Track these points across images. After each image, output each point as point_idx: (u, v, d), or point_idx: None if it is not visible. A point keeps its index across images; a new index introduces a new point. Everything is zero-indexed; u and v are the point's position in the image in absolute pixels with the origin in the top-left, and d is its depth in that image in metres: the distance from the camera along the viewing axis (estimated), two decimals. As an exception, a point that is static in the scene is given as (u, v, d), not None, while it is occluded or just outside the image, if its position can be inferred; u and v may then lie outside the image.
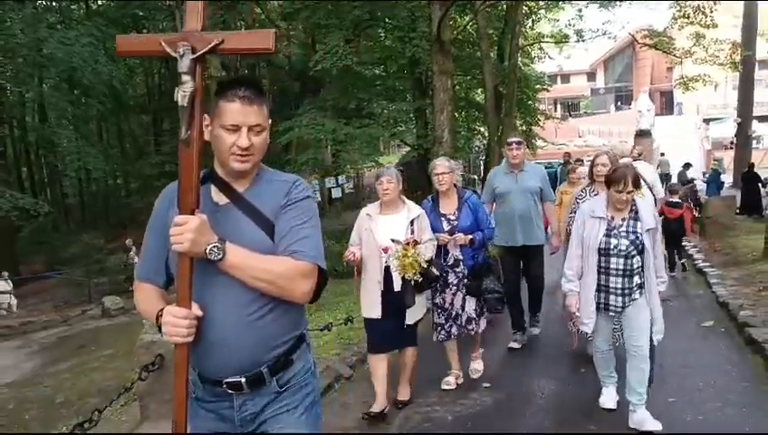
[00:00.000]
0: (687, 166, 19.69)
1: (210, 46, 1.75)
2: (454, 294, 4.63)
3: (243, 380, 1.92)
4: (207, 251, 1.75)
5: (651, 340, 3.80)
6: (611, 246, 3.74)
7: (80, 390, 8.88)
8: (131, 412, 5.36)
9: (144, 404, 4.32)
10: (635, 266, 3.74)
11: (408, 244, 4.07)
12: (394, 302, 4.15)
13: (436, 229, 4.52)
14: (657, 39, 18.02)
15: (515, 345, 5.72)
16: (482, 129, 21.53)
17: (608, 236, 3.76)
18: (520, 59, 19.18)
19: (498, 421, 4.21)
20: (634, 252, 3.72)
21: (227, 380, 1.92)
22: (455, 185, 4.72)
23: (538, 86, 21.94)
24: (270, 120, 1.95)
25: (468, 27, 17.21)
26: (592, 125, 44.92)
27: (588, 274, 3.87)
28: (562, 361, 5.30)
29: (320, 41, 19.25)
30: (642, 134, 29.73)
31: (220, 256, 1.76)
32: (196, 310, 1.81)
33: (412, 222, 4.24)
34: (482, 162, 22.74)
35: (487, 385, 4.83)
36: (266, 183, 1.96)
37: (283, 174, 2.04)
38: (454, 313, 4.64)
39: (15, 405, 8.72)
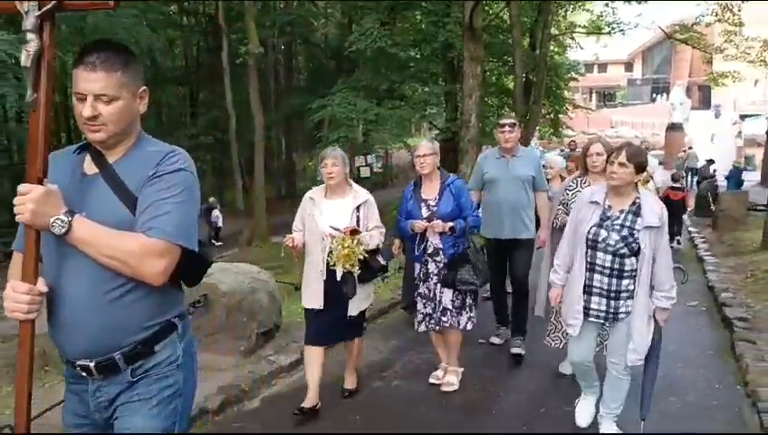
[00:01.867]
0: (711, 162, 19.89)
1: (53, 3, 1.62)
2: (435, 285, 4.36)
3: (92, 364, 1.78)
4: (51, 223, 1.63)
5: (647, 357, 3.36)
6: (599, 238, 3.28)
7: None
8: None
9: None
10: (626, 268, 3.26)
11: (346, 233, 3.85)
12: (337, 292, 3.93)
13: (414, 215, 4.33)
14: (687, 34, 18.13)
15: (497, 341, 5.39)
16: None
17: (599, 226, 3.30)
18: (552, 48, 19.48)
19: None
20: (624, 250, 3.23)
21: (79, 362, 1.80)
22: (438, 168, 4.38)
23: (569, 75, 22.14)
24: (140, 88, 1.83)
25: (501, 14, 17.57)
26: (626, 116, 44.61)
27: (575, 268, 3.42)
28: (544, 367, 4.82)
29: (356, 21, 19.80)
30: (674, 127, 29.70)
31: (64, 230, 1.64)
32: (41, 286, 1.68)
33: (358, 208, 4.01)
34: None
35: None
36: (139, 154, 1.82)
37: (161, 144, 1.88)
38: (437, 304, 4.37)
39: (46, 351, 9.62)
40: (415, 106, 19.59)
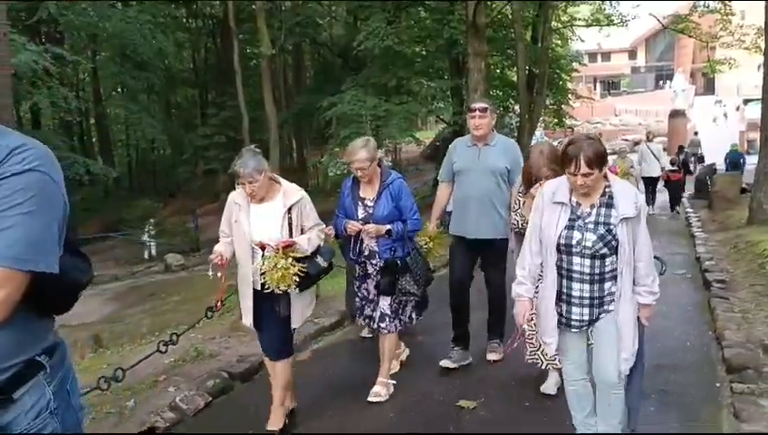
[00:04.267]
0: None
1: None
2: (376, 287, 4.07)
3: None
4: None
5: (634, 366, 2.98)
6: (573, 242, 2.87)
7: (158, 325, 10.49)
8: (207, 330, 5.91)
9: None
10: (607, 270, 2.88)
11: (277, 250, 3.39)
12: (271, 306, 3.56)
13: (350, 214, 4.04)
14: (683, 24, 18.79)
15: (448, 364, 4.51)
16: (515, 107, 22.61)
17: (570, 227, 2.88)
18: (554, 40, 20.18)
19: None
20: (604, 250, 2.84)
21: None
22: (379, 165, 4.02)
23: (571, 66, 22.82)
24: None
25: (503, 10, 18.27)
26: (629, 104, 45.13)
27: (547, 276, 3.01)
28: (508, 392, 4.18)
29: (363, 20, 20.52)
30: (676, 114, 30.27)
31: None
32: None
33: (290, 210, 3.56)
34: (514, 139, 23.83)
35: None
36: None
37: (11, 135, 1.46)
38: (374, 307, 4.12)
39: (107, 334, 10.40)
40: (422, 101, 20.32)
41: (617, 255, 2.84)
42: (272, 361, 3.74)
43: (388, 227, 3.93)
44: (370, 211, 3.99)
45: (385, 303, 4.03)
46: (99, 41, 22.66)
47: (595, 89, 51.12)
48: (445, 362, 4.51)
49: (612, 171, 6.68)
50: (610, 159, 4.56)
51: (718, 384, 4.08)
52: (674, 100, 29.33)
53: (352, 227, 3.96)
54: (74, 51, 21.30)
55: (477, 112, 4.37)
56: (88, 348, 7.09)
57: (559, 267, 2.94)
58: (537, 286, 3.14)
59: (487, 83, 15.11)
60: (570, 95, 22.20)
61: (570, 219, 2.90)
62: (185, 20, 30.13)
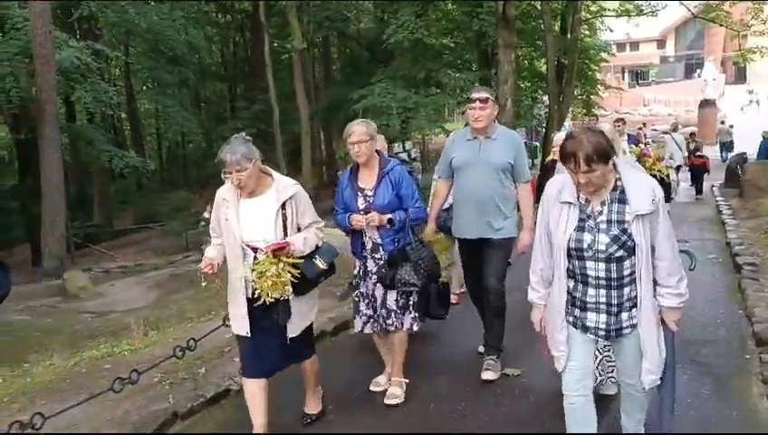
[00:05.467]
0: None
1: None
2: (375, 284, 3.88)
3: None
4: None
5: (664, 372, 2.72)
6: (584, 245, 2.60)
7: (203, 309, 10.93)
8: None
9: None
10: (625, 273, 2.60)
11: (267, 254, 3.06)
12: (268, 314, 3.23)
13: (350, 207, 3.84)
14: (714, 13, 18.75)
15: (490, 376, 4.13)
16: (544, 97, 22.74)
17: (580, 229, 2.62)
18: (582, 31, 20.27)
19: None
20: (620, 252, 2.56)
21: None
22: (378, 153, 3.85)
23: (600, 56, 22.86)
24: None
25: (532, 2, 18.42)
26: (658, 94, 44.73)
27: (556, 283, 2.76)
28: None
29: (391, 14, 20.79)
30: (707, 104, 30.01)
31: None
32: None
33: (284, 205, 3.24)
34: (543, 129, 23.99)
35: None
36: None
37: None
38: (378, 305, 3.89)
39: (154, 319, 10.88)
40: (451, 93, 20.58)
41: (635, 256, 2.57)
42: (256, 378, 3.35)
43: (390, 216, 3.75)
44: (370, 201, 3.81)
45: (391, 298, 3.85)
46: (134, 36, 23.31)
47: (623, 79, 50.67)
48: (485, 374, 4.13)
49: (646, 155, 6.61)
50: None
51: (748, 356, 4.35)
52: (704, 89, 29.05)
53: (358, 221, 3.75)
54: (111, 47, 21.98)
55: (477, 103, 3.98)
56: (145, 328, 7.53)
57: (571, 272, 2.69)
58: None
59: (516, 75, 15.33)
60: (599, 85, 22.25)
61: (580, 219, 2.62)
62: (214, 14, 30.69)
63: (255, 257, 3.15)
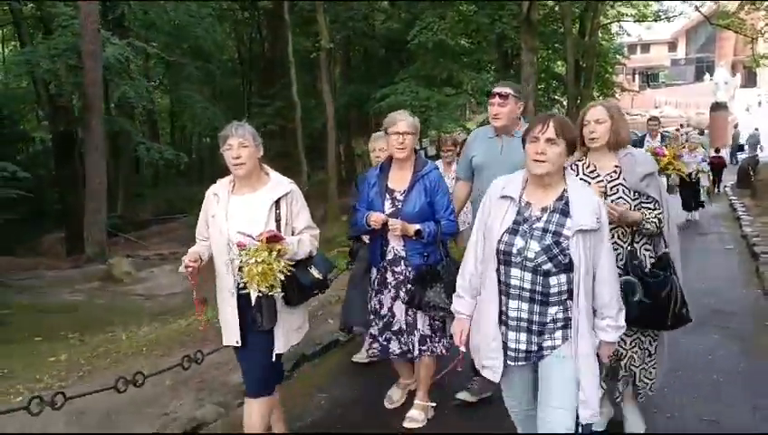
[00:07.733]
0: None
1: None
2: (393, 299, 3.46)
3: None
4: None
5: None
6: (514, 250, 2.40)
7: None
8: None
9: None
10: (552, 290, 2.38)
11: (261, 240, 2.77)
12: (255, 323, 2.93)
13: (375, 208, 3.41)
14: (729, 20, 19.35)
15: (466, 397, 3.79)
16: (562, 99, 23.40)
17: (513, 232, 2.42)
18: (600, 35, 20.94)
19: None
20: (548, 265, 2.35)
21: None
22: (415, 152, 3.49)
23: (616, 58, 23.51)
24: None
25: (552, 5, 19.07)
26: (670, 96, 45.21)
27: (488, 289, 2.50)
28: None
29: (411, 14, 21.46)
30: (718, 107, 30.50)
31: None
32: None
33: (277, 203, 2.98)
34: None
35: None
36: None
37: None
38: (395, 324, 3.48)
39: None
40: (471, 93, 21.24)
41: (566, 275, 2.35)
42: (247, 397, 3.08)
43: (418, 226, 3.32)
44: (399, 206, 3.39)
45: (423, 322, 3.42)
46: (163, 31, 24.05)
47: (634, 81, 51.18)
48: (460, 395, 3.79)
49: (659, 153, 7.07)
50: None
51: (767, 323, 5.14)
52: (715, 92, 29.53)
53: (377, 218, 3.32)
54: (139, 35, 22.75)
55: (497, 99, 3.51)
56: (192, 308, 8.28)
57: (497, 280, 2.45)
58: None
59: (537, 76, 15.97)
60: (615, 87, 22.91)
61: (515, 221, 2.42)
62: (232, 12, 31.34)
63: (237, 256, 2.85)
